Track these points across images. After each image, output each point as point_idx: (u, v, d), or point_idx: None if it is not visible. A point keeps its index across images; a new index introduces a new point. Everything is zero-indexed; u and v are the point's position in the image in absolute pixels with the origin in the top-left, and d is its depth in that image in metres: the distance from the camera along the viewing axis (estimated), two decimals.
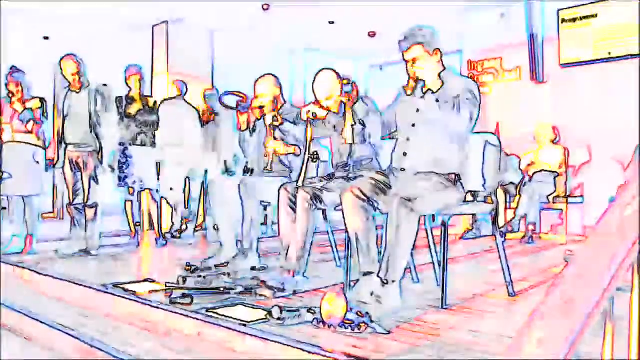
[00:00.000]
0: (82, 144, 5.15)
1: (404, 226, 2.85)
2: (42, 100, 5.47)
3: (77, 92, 5.19)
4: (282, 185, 3.73)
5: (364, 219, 3.11)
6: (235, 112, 4.39)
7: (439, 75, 3.18)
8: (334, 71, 3.75)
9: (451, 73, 3.24)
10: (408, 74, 3.23)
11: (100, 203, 5.23)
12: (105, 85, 5.24)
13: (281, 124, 3.91)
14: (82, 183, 5.19)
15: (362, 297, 3.00)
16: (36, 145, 5.37)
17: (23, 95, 5.37)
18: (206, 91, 6.95)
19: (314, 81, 3.73)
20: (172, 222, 6.81)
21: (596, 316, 1.18)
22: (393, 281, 2.92)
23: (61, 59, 5.18)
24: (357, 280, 3.21)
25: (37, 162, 5.36)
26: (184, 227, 6.77)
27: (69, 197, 5.29)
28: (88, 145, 5.15)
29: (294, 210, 3.60)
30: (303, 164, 3.55)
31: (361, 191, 3.10)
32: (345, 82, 3.41)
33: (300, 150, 4.10)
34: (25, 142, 5.33)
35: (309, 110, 3.54)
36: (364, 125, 3.42)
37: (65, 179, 5.30)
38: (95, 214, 5.19)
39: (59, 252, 5.12)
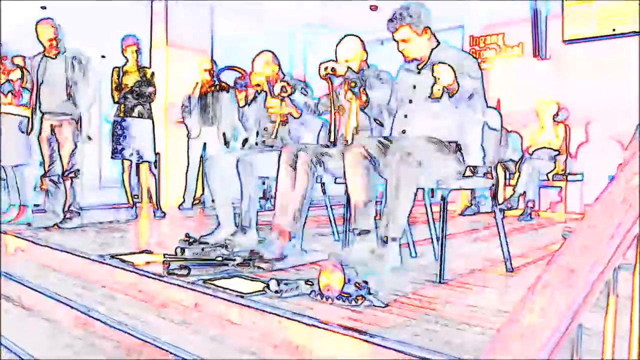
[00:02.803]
0: (59, 112, 5.00)
1: (403, 182, 2.84)
2: (23, 71, 5.40)
3: (53, 59, 5.00)
4: (284, 145, 3.70)
5: (365, 177, 3.09)
6: (234, 90, 4.36)
7: (431, 52, 3.16)
8: (360, 39, 3.78)
9: (445, 47, 3.22)
10: (399, 51, 3.23)
11: (82, 173, 5.10)
12: (81, 51, 5.07)
13: (291, 93, 3.86)
14: (59, 153, 5.05)
15: (357, 255, 3.00)
16: (22, 116, 5.31)
17: (5, 67, 5.31)
18: (203, 63, 6.86)
19: (337, 43, 3.74)
20: (184, 198, 6.84)
21: (599, 286, 1.17)
22: (393, 239, 2.92)
23: (37, 22, 4.99)
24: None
25: (23, 132, 5.27)
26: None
27: (44, 168, 5.16)
28: (65, 113, 4.99)
29: (295, 170, 3.55)
30: (331, 122, 3.46)
31: (365, 149, 3.08)
32: (353, 85, 3.33)
33: (301, 113, 4.06)
34: (10, 113, 5.28)
35: (327, 67, 3.42)
36: (381, 124, 3.40)
37: (40, 149, 5.14)
38: (72, 184, 5.05)
39: (32, 225, 5.06)
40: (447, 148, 3.10)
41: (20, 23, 6.51)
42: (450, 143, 3.12)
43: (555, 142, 6.38)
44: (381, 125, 3.46)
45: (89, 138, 5.15)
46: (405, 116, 3.23)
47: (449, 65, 2.90)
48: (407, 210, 2.94)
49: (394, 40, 3.23)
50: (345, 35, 3.79)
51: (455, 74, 2.88)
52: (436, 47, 3.22)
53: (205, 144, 6.70)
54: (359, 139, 3.33)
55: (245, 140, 4.56)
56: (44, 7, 8.23)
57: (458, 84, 2.91)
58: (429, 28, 3.18)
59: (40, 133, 5.07)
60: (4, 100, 5.27)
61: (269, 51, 4.32)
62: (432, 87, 2.96)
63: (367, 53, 3.83)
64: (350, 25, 9.08)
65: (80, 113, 5.01)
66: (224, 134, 6.69)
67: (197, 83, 6.72)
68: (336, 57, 3.71)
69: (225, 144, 6.68)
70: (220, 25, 8.14)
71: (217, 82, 6.69)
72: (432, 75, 2.93)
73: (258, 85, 4.17)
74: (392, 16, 3.17)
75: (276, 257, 3.38)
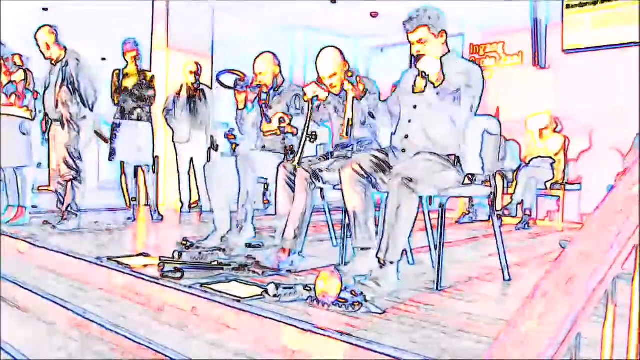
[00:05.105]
0: (56, 118, 5.11)
1: (404, 207, 2.83)
2: (26, 72, 5.42)
3: (54, 65, 5.14)
4: (280, 163, 3.71)
5: (363, 195, 3.10)
6: (234, 91, 4.35)
7: (440, 59, 3.13)
8: (338, 49, 3.68)
9: (454, 57, 3.19)
10: (412, 54, 3.19)
11: (84, 178, 5.19)
12: (78, 59, 5.16)
13: (289, 123, 3.89)
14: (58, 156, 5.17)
15: (358, 272, 3.00)
16: (23, 117, 5.32)
17: (8, 68, 5.33)
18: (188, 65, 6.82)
19: (317, 58, 3.67)
20: (182, 202, 6.85)
21: (599, 295, 1.18)
22: (391, 262, 2.91)
23: (36, 31, 5.12)
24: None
25: (24, 134, 5.31)
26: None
27: (49, 170, 5.38)
28: (58, 118, 5.08)
29: (292, 188, 3.58)
30: (300, 143, 3.50)
31: (361, 167, 3.09)
32: (350, 74, 3.35)
33: (292, 117, 4.06)
34: (11, 115, 5.29)
35: (311, 91, 3.48)
36: (373, 117, 3.38)
37: (49, 155, 5.36)
38: (72, 185, 5.11)
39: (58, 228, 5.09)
40: (447, 161, 3.10)
41: (21, 24, 6.52)
42: (449, 156, 3.11)
43: (552, 151, 6.38)
44: (373, 117, 3.43)
45: (104, 139, 5.41)
46: (409, 121, 3.22)
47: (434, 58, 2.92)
48: (407, 234, 2.92)
49: (409, 41, 3.17)
50: (323, 48, 3.69)
51: (442, 67, 2.89)
52: (444, 55, 3.14)
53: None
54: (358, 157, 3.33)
55: (237, 145, 4.57)
56: (45, 9, 8.26)
57: (444, 75, 2.90)
58: (445, 32, 3.15)
59: (48, 136, 5.25)
60: (4, 101, 5.28)
61: (270, 52, 4.33)
62: (415, 80, 2.97)
63: (348, 64, 3.70)
64: (351, 31, 9.14)
65: (71, 115, 5.04)
66: (211, 137, 6.69)
67: (181, 85, 6.70)
68: (317, 73, 3.65)
69: (213, 148, 6.68)
70: (220, 28, 8.16)
71: (200, 84, 6.68)
72: (416, 67, 2.95)
73: (260, 85, 4.19)
74: (411, 16, 3.12)
75: (272, 267, 3.38)
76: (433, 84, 2.97)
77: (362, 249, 3.14)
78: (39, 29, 5.11)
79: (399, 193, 2.84)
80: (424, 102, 3.14)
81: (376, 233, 3.13)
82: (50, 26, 5.12)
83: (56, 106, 5.04)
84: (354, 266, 3.11)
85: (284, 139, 4.17)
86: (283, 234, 3.58)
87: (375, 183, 3.13)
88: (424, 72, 2.96)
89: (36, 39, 5.10)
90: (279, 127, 3.91)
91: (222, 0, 7.58)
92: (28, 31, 5.51)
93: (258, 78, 4.22)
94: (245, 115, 4.39)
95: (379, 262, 2.92)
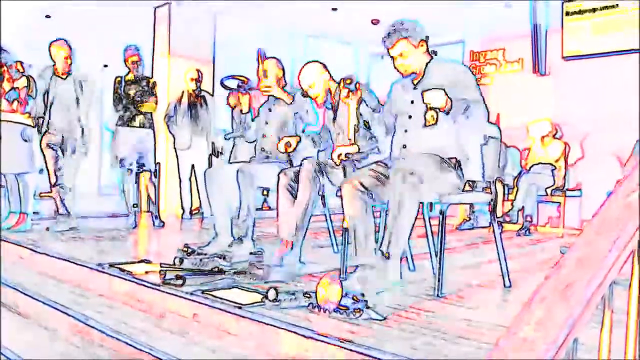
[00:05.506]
0: (67, 130, 5.36)
1: (406, 200, 2.84)
2: (29, 79, 5.47)
3: (63, 79, 5.35)
4: (281, 170, 3.73)
5: (363, 210, 3.09)
6: (227, 97, 4.41)
7: (425, 66, 3.17)
8: (319, 62, 3.86)
9: (439, 61, 3.22)
10: (396, 69, 3.22)
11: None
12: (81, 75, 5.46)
13: (294, 150, 3.95)
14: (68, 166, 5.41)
15: (357, 288, 2.99)
16: (25, 124, 5.37)
17: (11, 75, 5.38)
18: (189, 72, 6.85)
19: (299, 74, 3.84)
20: (183, 208, 6.87)
21: (596, 301, 1.18)
22: (394, 255, 2.91)
23: (52, 42, 5.35)
24: (355, 267, 3.17)
25: (25, 140, 5.36)
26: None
27: (51, 179, 5.45)
28: (72, 131, 5.37)
29: (293, 195, 3.58)
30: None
31: (361, 183, 3.09)
32: (348, 81, 3.39)
33: (300, 139, 4.08)
34: (13, 121, 5.33)
35: (340, 154, 3.55)
36: (369, 127, 3.41)
37: (45, 162, 5.46)
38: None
39: (51, 230, 5.30)
40: (448, 164, 3.11)
41: (22, 28, 6.54)
42: (450, 159, 3.12)
43: (553, 158, 6.39)
44: (369, 128, 3.45)
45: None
46: (406, 131, 3.23)
47: (437, 88, 2.93)
48: (409, 228, 2.93)
49: (390, 56, 3.21)
50: (305, 64, 3.90)
51: (446, 93, 2.90)
52: (430, 61, 3.20)
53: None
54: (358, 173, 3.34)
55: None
56: (48, 16, 8.29)
57: (451, 100, 2.92)
58: (425, 40, 3.18)
59: (47, 145, 5.39)
60: (6, 107, 5.31)
61: (274, 57, 4.39)
62: (424, 115, 2.98)
63: (329, 73, 3.88)
64: (351, 38, 9.17)
65: (83, 131, 5.39)
66: (212, 143, 6.71)
67: (182, 92, 6.72)
68: (300, 87, 3.81)
69: (214, 154, 6.69)
70: (222, 33, 8.18)
71: (201, 91, 6.71)
72: (423, 102, 2.94)
73: (267, 88, 4.25)
74: (388, 32, 3.16)
75: (274, 264, 3.38)
76: (445, 112, 2.98)
77: (363, 265, 3.13)
78: (54, 42, 5.35)
79: (401, 187, 2.85)
80: (418, 110, 3.15)
81: (376, 241, 3.13)
82: (66, 40, 5.36)
83: (77, 119, 5.33)
84: (352, 283, 3.07)
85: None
86: (284, 227, 3.58)
87: (375, 197, 3.13)
88: (432, 104, 2.98)
89: (50, 52, 5.32)
90: (285, 151, 3.98)
91: (224, 0, 7.59)
92: (29, 37, 5.56)
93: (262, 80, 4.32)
94: (249, 121, 4.42)
95: (382, 254, 2.92)
